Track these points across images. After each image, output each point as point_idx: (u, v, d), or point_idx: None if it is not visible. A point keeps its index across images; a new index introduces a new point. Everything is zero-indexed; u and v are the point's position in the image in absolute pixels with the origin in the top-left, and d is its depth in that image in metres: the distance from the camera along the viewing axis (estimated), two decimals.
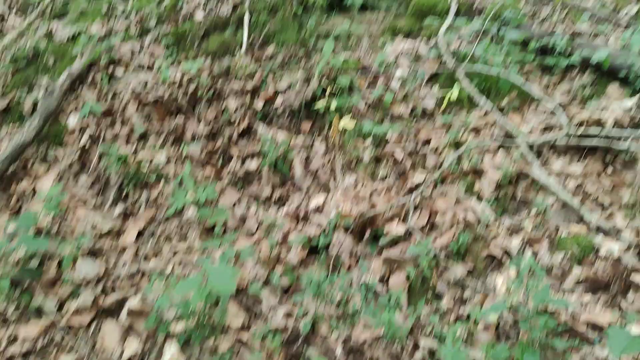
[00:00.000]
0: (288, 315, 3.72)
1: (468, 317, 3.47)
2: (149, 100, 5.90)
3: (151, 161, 5.32)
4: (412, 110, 5.50)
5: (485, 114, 5.28)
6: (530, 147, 4.69)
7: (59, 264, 4.26)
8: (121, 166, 5.27)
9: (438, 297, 3.71)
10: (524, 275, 3.50)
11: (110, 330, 3.73)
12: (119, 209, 5.03)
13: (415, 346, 3.31)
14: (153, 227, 4.79)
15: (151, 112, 5.87)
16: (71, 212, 4.87)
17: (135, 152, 5.54)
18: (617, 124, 4.83)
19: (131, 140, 5.70)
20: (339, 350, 3.42)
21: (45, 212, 4.54)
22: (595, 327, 3.28)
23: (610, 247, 3.79)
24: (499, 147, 4.83)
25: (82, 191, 5.29)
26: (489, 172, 4.56)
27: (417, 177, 4.66)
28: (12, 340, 3.76)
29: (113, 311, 3.89)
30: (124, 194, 5.23)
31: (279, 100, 5.61)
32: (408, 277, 3.76)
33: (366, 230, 4.18)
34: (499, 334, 3.34)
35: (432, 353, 3.23)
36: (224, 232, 4.58)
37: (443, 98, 5.28)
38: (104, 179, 5.34)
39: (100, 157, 5.52)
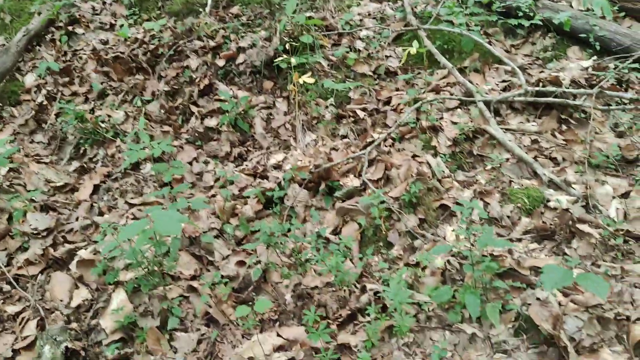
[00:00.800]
0: (240, 263, 3.72)
1: (417, 264, 3.51)
2: (109, 58, 5.78)
3: (109, 119, 5.22)
4: (375, 70, 5.49)
5: (448, 74, 5.28)
6: (488, 105, 4.71)
7: (10, 217, 4.18)
8: (78, 124, 5.18)
9: (389, 246, 3.73)
10: (473, 225, 3.54)
11: (60, 281, 3.68)
12: (74, 165, 4.95)
13: (363, 290, 3.34)
14: (109, 183, 4.72)
15: (110, 70, 5.76)
16: (25, 168, 4.77)
17: (93, 110, 5.43)
18: (574, 84, 4.88)
19: (89, 99, 5.59)
20: (288, 296, 3.44)
21: None
22: (539, 271, 3.33)
23: (559, 199, 3.85)
24: (457, 106, 4.84)
25: (37, 148, 5.20)
26: (447, 129, 4.58)
27: (377, 135, 4.66)
28: None
29: (63, 262, 3.84)
30: (80, 151, 5.14)
31: (240, 58, 5.53)
32: (360, 227, 3.78)
33: (321, 183, 4.17)
34: (445, 279, 3.38)
35: (377, 296, 3.26)
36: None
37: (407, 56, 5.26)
38: (60, 136, 5.24)
39: (57, 115, 5.41)
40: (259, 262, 3.68)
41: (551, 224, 3.69)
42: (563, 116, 4.69)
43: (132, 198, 4.47)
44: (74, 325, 3.35)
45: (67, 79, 5.71)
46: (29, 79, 5.80)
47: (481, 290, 3.09)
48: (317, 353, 3.01)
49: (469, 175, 4.27)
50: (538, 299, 3.05)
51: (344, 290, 3.35)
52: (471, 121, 4.65)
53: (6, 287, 3.73)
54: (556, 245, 3.58)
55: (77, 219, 4.28)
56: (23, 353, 3.26)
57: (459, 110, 4.84)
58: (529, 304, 3.02)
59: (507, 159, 4.34)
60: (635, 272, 3.21)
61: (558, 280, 2.52)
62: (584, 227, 3.58)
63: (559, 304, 3.00)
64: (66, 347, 3.21)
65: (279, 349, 3.12)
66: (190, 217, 4.02)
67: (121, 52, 5.80)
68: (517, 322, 3.01)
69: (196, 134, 5.09)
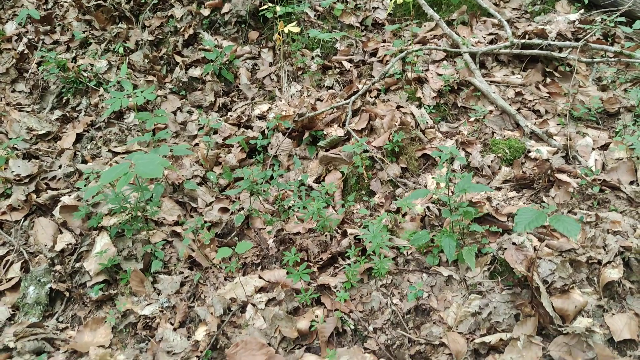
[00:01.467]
0: (223, 210, 3.75)
1: (397, 210, 3.56)
2: (91, 6, 5.65)
3: (92, 68, 5.15)
4: (362, 21, 5.42)
5: (435, 26, 5.24)
6: (474, 57, 4.69)
7: None
8: (60, 73, 5.10)
9: (371, 194, 3.78)
10: (453, 173, 3.58)
11: (43, 226, 3.70)
12: (57, 114, 4.90)
13: (344, 235, 3.40)
14: (92, 132, 4.70)
15: (93, 19, 5.64)
16: (6, 116, 4.72)
17: (75, 59, 5.35)
18: (560, 37, 4.87)
19: (71, 47, 5.49)
20: (270, 242, 3.49)
21: None
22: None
23: (540, 149, 3.89)
24: (443, 58, 4.83)
25: (19, 97, 5.13)
26: (432, 81, 4.57)
27: (362, 86, 4.64)
28: None
29: (47, 208, 3.85)
30: (63, 100, 5.09)
31: (225, 8, 5.44)
32: (343, 175, 3.81)
33: (305, 132, 4.18)
34: (425, 224, 3.45)
35: (357, 239, 3.32)
36: (161, 141, 4.52)
37: (395, 8, 5.20)
38: (42, 85, 5.17)
39: (38, 64, 5.32)
40: (242, 208, 3.72)
41: (530, 174, 3.75)
42: (548, 69, 4.70)
43: (115, 147, 4.46)
44: (58, 268, 3.39)
45: (48, 27, 5.59)
46: (9, 27, 5.67)
47: (458, 235, 3.15)
48: (297, 294, 3.08)
49: (453, 126, 4.29)
50: (514, 243, 3.12)
51: (325, 235, 3.41)
52: (456, 73, 4.65)
53: None
54: (534, 194, 3.64)
55: (60, 167, 4.27)
56: (8, 294, 3.30)
57: (444, 62, 4.82)
58: (505, 249, 3.10)
59: (491, 111, 4.37)
60: (609, 219, 3.29)
61: (531, 221, 2.58)
62: (563, 177, 3.64)
63: (534, 249, 3.08)
64: (50, 288, 3.25)
65: (261, 290, 3.19)
66: (173, 164, 4.02)
67: (103, 0, 5.67)
68: (492, 266, 3.09)
69: (180, 84, 5.04)
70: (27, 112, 4.81)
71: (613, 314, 2.82)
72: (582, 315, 2.80)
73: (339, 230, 3.44)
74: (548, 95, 4.48)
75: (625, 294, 2.92)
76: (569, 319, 2.78)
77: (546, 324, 2.80)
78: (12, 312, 3.21)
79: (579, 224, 2.57)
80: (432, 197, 3.54)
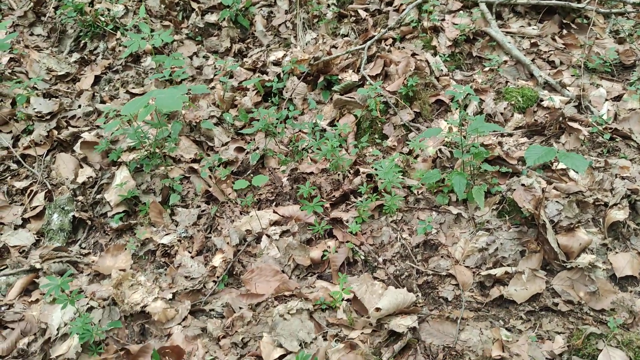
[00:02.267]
0: (239, 149, 3.84)
1: (410, 152, 3.64)
2: None
3: (109, 12, 5.18)
4: None
5: None
6: (490, 7, 4.67)
7: (13, 102, 4.26)
8: (78, 17, 5.14)
9: (384, 137, 3.85)
10: (466, 118, 3.63)
11: (64, 161, 3.82)
12: (75, 57, 4.96)
13: (356, 174, 3.48)
14: (110, 75, 4.77)
15: None
16: (26, 57, 4.79)
17: (93, 3, 5.36)
18: None
19: None
20: (285, 180, 3.59)
21: None
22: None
23: (552, 98, 3.92)
24: (460, 8, 4.80)
25: (37, 41, 5.19)
26: (448, 30, 4.57)
27: (377, 35, 4.65)
28: None
29: (68, 144, 3.96)
30: (81, 44, 5.14)
31: None
32: (356, 118, 3.88)
33: (320, 77, 4.22)
34: (436, 166, 3.53)
35: (369, 178, 3.41)
36: (180, 82, 4.58)
37: None
38: (60, 29, 5.21)
39: (56, 8, 5.35)
40: (257, 148, 3.81)
41: (542, 121, 3.79)
42: (565, 21, 4.68)
43: (133, 88, 4.53)
44: (80, 198, 3.52)
45: None
46: None
47: (469, 175, 3.23)
48: (310, 227, 3.18)
49: (467, 74, 4.32)
50: (523, 184, 3.19)
51: (338, 175, 3.50)
52: (472, 23, 4.64)
53: (14, 166, 3.87)
54: (545, 140, 3.70)
55: (79, 107, 4.35)
56: (33, 221, 3.44)
57: (461, 12, 4.80)
58: (514, 189, 3.17)
59: (505, 61, 4.38)
60: (618, 165, 3.34)
61: (541, 156, 2.65)
62: (574, 125, 3.68)
63: (542, 190, 3.15)
64: (73, 217, 3.39)
65: (275, 224, 3.30)
66: (190, 105, 4.10)
67: None
68: (500, 205, 3.17)
69: (196, 30, 5.07)
70: (46, 53, 4.87)
71: (617, 252, 2.91)
72: (586, 252, 2.89)
73: (351, 171, 3.52)
74: (563, 46, 4.47)
75: (630, 234, 3.00)
76: (573, 255, 2.88)
77: (550, 259, 2.90)
78: (37, 238, 3.36)
79: (588, 161, 2.63)
80: (444, 140, 3.60)
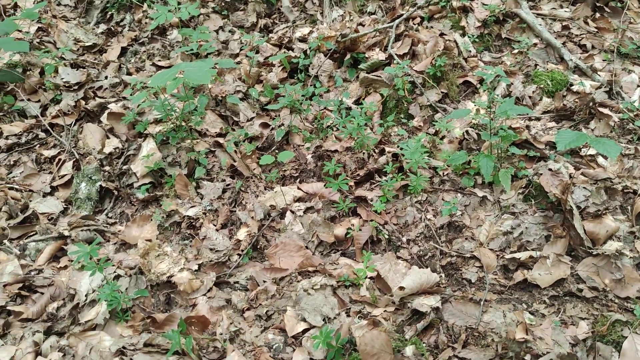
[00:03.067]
0: (264, 125, 3.84)
1: (436, 132, 3.62)
2: None
3: None
4: None
5: None
6: None
7: (41, 72, 4.29)
8: None
9: (409, 117, 3.82)
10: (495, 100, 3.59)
11: (92, 131, 3.85)
12: (102, 28, 4.98)
13: (382, 153, 3.48)
14: (136, 47, 4.78)
15: None
16: (54, 27, 4.81)
17: None
18: None
19: None
20: (309, 157, 3.59)
21: (26, 23, 4.50)
22: (554, 146, 3.43)
23: (583, 83, 3.86)
24: None
25: (64, 11, 5.20)
26: (477, 11, 4.50)
27: (406, 13, 4.59)
28: None
29: (95, 115, 3.99)
30: (107, 15, 5.15)
31: None
32: (382, 97, 3.85)
33: (347, 54, 4.19)
34: (462, 147, 3.50)
35: (395, 157, 3.40)
36: (207, 55, 4.58)
37: None
38: (87, 0, 5.22)
39: None
40: (282, 125, 3.81)
41: (571, 106, 3.74)
42: (598, 4, 4.57)
43: (159, 60, 4.54)
44: (107, 168, 3.56)
45: None
46: None
47: (496, 158, 3.20)
48: (334, 205, 3.20)
49: (495, 56, 4.26)
50: (550, 169, 3.16)
51: (363, 153, 3.49)
52: (503, 4, 4.55)
53: (42, 134, 3.92)
54: (574, 125, 3.65)
55: (106, 78, 4.38)
56: (61, 189, 3.50)
57: None
58: (541, 174, 3.14)
59: (535, 44, 4.30)
60: None
61: (572, 141, 2.61)
62: (604, 110, 3.62)
63: (570, 176, 3.12)
64: (100, 186, 3.44)
65: (299, 200, 3.31)
66: (216, 79, 4.10)
67: None
68: (527, 189, 3.15)
69: (223, 4, 5.04)
70: (73, 24, 4.89)
71: None
72: (613, 240, 2.86)
73: (376, 150, 3.51)
74: (596, 30, 4.38)
75: None
76: (599, 242, 2.86)
77: (576, 245, 2.88)
78: (65, 206, 3.41)
79: (620, 147, 2.60)
80: (471, 122, 3.57)
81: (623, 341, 2.31)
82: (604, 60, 4.16)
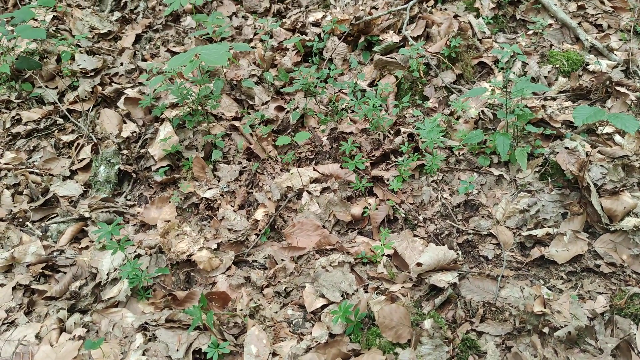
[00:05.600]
0: (279, 108, 3.87)
1: (451, 113, 3.61)
2: None
3: None
4: None
5: None
6: None
7: (58, 59, 4.34)
8: None
9: (424, 99, 3.82)
10: (510, 78, 3.58)
11: (109, 116, 3.90)
12: (116, 15, 5.01)
13: (397, 134, 3.48)
14: (150, 34, 4.81)
15: None
16: (69, 17, 4.86)
17: None
18: None
19: None
20: (325, 139, 3.61)
21: (42, 11, 4.55)
22: (570, 125, 3.42)
23: (599, 62, 3.83)
24: None
25: (79, 0, 5.24)
26: None
27: None
28: (17, 121, 3.95)
29: (112, 101, 4.04)
30: (121, 2, 5.18)
31: None
32: (397, 79, 3.85)
33: (361, 37, 4.19)
34: (478, 127, 3.50)
35: (411, 137, 3.41)
36: (221, 40, 4.60)
37: None
38: None
39: None
40: (297, 108, 3.83)
41: (587, 85, 3.71)
42: None
43: (173, 47, 4.57)
44: (125, 152, 3.60)
45: None
46: None
47: (512, 137, 3.20)
48: (350, 185, 3.22)
49: (510, 37, 4.24)
50: (566, 147, 3.15)
51: (378, 134, 3.50)
52: None
53: (60, 120, 3.97)
54: (591, 104, 3.63)
55: (121, 64, 4.42)
56: (80, 173, 3.56)
57: None
58: (557, 152, 3.13)
59: (550, 25, 4.27)
60: None
61: (589, 116, 2.61)
62: (621, 89, 3.60)
63: (586, 154, 3.11)
64: (119, 169, 3.48)
65: (315, 181, 3.34)
66: (230, 64, 4.13)
67: None
68: (543, 168, 3.14)
69: None
70: (88, 12, 4.93)
71: None
72: (631, 216, 2.85)
73: (391, 131, 3.52)
74: (612, 9, 4.34)
75: None
76: (617, 218, 2.85)
77: (593, 222, 2.88)
78: (85, 189, 3.47)
79: (638, 122, 2.59)
80: (486, 102, 3.56)
81: None
82: (620, 40, 4.12)
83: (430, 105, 3.74)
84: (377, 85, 3.93)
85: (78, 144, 3.71)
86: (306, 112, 3.76)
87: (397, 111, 3.58)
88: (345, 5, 4.84)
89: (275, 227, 3.12)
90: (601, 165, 3.05)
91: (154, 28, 4.86)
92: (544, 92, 3.74)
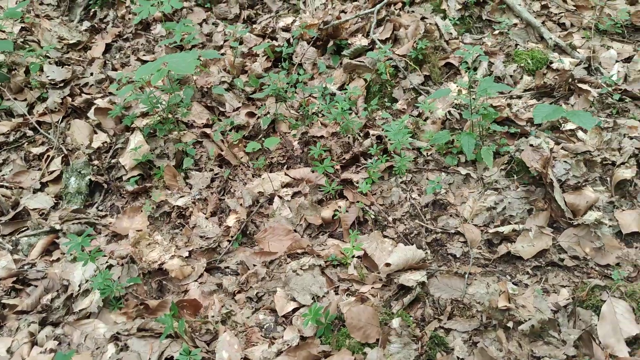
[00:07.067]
0: (250, 114, 3.89)
1: (419, 114, 3.67)
2: None
3: None
4: None
5: None
6: None
7: (26, 71, 4.31)
8: None
9: (393, 101, 3.87)
10: (475, 79, 3.64)
11: (79, 127, 3.88)
12: (86, 25, 4.99)
13: (366, 136, 3.53)
14: (120, 43, 4.80)
15: None
16: (37, 27, 4.82)
17: None
18: None
19: None
20: (296, 143, 3.64)
21: (9, 23, 4.52)
22: (534, 124, 3.50)
23: (562, 60, 3.92)
24: None
25: (47, 10, 5.21)
26: None
27: None
28: None
29: (82, 111, 4.02)
30: (91, 12, 5.17)
31: None
32: (366, 82, 3.90)
33: (329, 42, 4.23)
34: (445, 128, 3.56)
35: (379, 139, 3.46)
36: (191, 48, 4.61)
37: None
38: None
39: None
40: (268, 113, 3.85)
41: (551, 83, 3.80)
42: None
43: (144, 55, 4.57)
44: (95, 162, 3.60)
45: None
46: None
47: (478, 136, 3.26)
48: (321, 189, 3.25)
49: (476, 37, 4.31)
50: (531, 145, 3.22)
51: (348, 137, 3.54)
52: None
53: (30, 132, 3.95)
54: (554, 102, 3.71)
55: (91, 74, 4.40)
56: (51, 185, 3.54)
57: None
58: (522, 150, 3.20)
59: (515, 24, 4.36)
60: (627, 125, 3.36)
61: (549, 114, 2.68)
62: (584, 86, 3.69)
63: (550, 150, 3.18)
64: (90, 180, 3.48)
65: (287, 185, 3.37)
66: (201, 71, 4.14)
67: None
68: (509, 165, 3.21)
69: None
70: (57, 22, 4.90)
71: (623, 210, 2.95)
72: (593, 210, 2.93)
73: (361, 133, 3.57)
74: (574, 8, 4.44)
75: (637, 192, 3.04)
76: (580, 213, 2.93)
77: (557, 217, 2.96)
78: (56, 201, 3.45)
79: (595, 118, 2.66)
80: (453, 102, 3.63)
81: (602, 305, 2.38)
82: (583, 38, 4.22)
83: (399, 107, 3.79)
84: (346, 88, 3.97)
85: (48, 156, 3.70)
86: (277, 117, 3.79)
87: (367, 114, 3.62)
88: (315, 9, 4.88)
89: (248, 232, 3.14)
90: (565, 161, 3.13)
91: (124, 37, 4.85)
92: (510, 91, 3.82)
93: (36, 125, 3.93)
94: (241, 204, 3.25)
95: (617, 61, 3.97)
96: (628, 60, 4.00)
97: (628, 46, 4.11)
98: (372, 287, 2.66)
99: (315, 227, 3.11)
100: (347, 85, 4.00)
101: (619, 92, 3.63)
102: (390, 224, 3.06)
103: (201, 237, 3.11)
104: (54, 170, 3.58)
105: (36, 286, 2.88)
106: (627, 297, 2.40)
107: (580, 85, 3.69)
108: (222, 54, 4.42)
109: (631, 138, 3.24)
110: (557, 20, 4.40)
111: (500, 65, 3.95)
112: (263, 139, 3.73)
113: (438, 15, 4.39)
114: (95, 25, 4.99)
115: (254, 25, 4.77)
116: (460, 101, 3.60)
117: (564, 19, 4.38)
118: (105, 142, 3.73)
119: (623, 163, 3.11)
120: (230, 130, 3.71)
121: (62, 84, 4.19)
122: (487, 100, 3.51)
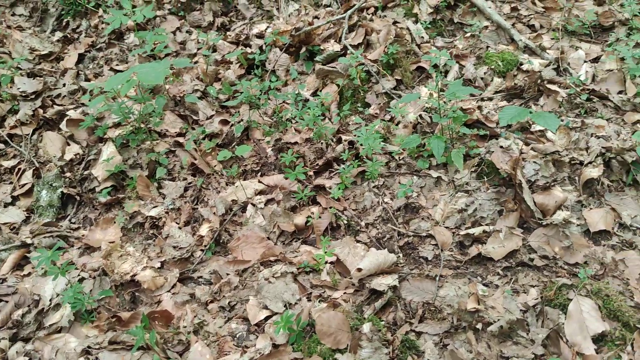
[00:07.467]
0: (223, 122, 3.89)
1: (391, 119, 3.70)
2: None
3: None
4: None
5: None
6: None
7: None
8: None
9: (366, 106, 3.90)
10: (444, 82, 3.68)
11: (51, 139, 3.85)
12: (58, 36, 4.96)
13: (339, 141, 3.54)
14: (94, 53, 4.78)
15: None
16: (9, 39, 4.78)
17: None
18: None
19: None
20: (269, 150, 3.64)
21: None
22: (506, 125, 3.53)
23: (532, 61, 3.97)
24: None
25: (19, 21, 5.17)
26: None
27: (358, 4, 4.66)
28: None
29: (54, 123, 3.99)
30: (63, 22, 5.13)
31: None
32: (339, 87, 3.92)
33: (302, 48, 4.25)
34: (417, 132, 3.59)
35: (351, 144, 3.48)
36: (164, 57, 4.59)
37: None
38: (42, 8, 5.20)
39: None
40: (242, 120, 3.85)
41: (521, 84, 3.84)
42: None
43: (117, 65, 4.55)
44: (67, 175, 3.57)
45: None
46: None
47: (448, 138, 3.29)
48: (295, 195, 3.26)
49: (448, 41, 4.35)
50: (501, 147, 3.26)
51: (321, 143, 3.55)
52: None
53: (0, 146, 3.91)
54: (524, 103, 3.76)
55: (64, 85, 4.37)
56: (22, 199, 3.51)
57: None
58: (492, 152, 3.24)
59: (486, 27, 4.41)
60: (594, 124, 3.41)
61: (514, 116, 2.71)
62: (553, 87, 3.74)
63: (520, 152, 3.22)
64: (62, 192, 3.45)
65: (260, 193, 3.37)
66: (173, 80, 4.13)
67: None
68: (479, 167, 3.25)
69: (179, 4, 5.06)
70: (29, 33, 4.86)
71: (591, 209, 3.00)
72: (562, 210, 2.97)
73: (334, 139, 3.58)
74: (543, 10, 4.51)
75: (604, 191, 3.09)
76: (549, 213, 2.97)
77: (527, 218, 2.99)
78: (27, 215, 3.42)
79: (559, 120, 2.70)
80: (424, 106, 3.66)
81: (569, 304, 2.41)
82: (552, 39, 4.28)
83: (372, 111, 3.81)
84: (319, 94, 3.99)
85: (19, 169, 3.66)
86: (251, 124, 3.79)
87: (339, 119, 3.64)
88: (289, 15, 4.89)
89: (221, 241, 3.14)
90: (534, 162, 3.17)
91: (97, 47, 4.83)
92: (480, 94, 3.86)
93: (7, 138, 3.90)
94: (214, 213, 3.24)
95: (585, 61, 4.04)
96: (596, 60, 4.06)
97: (596, 46, 4.18)
98: (345, 293, 2.67)
99: (288, 234, 3.12)
100: (320, 91, 4.01)
101: (587, 92, 3.68)
102: (362, 228, 3.07)
103: (174, 247, 3.10)
104: (26, 184, 3.55)
105: (7, 302, 2.85)
106: (593, 295, 2.44)
107: (549, 86, 3.74)
108: (195, 62, 4.42)
109: (598, 137, 3.29)
110: (527, 22, 4.46)
111: (471, 68, 3.99)
112: (237, 146, 3.72)
113: (410, 19, 4.43)
114: (68, 35, 4.96)
115: (228, 33, 4.77)
116: (431, 105, 3.63)
117: (533, 20, 4.45)
118: (78, 153, 3.70)
119: (590, 162, 3.15)
120: (203, 138, 3.70)
121: (33, 96, 4.16)
122: (458, 103, 3.55)
